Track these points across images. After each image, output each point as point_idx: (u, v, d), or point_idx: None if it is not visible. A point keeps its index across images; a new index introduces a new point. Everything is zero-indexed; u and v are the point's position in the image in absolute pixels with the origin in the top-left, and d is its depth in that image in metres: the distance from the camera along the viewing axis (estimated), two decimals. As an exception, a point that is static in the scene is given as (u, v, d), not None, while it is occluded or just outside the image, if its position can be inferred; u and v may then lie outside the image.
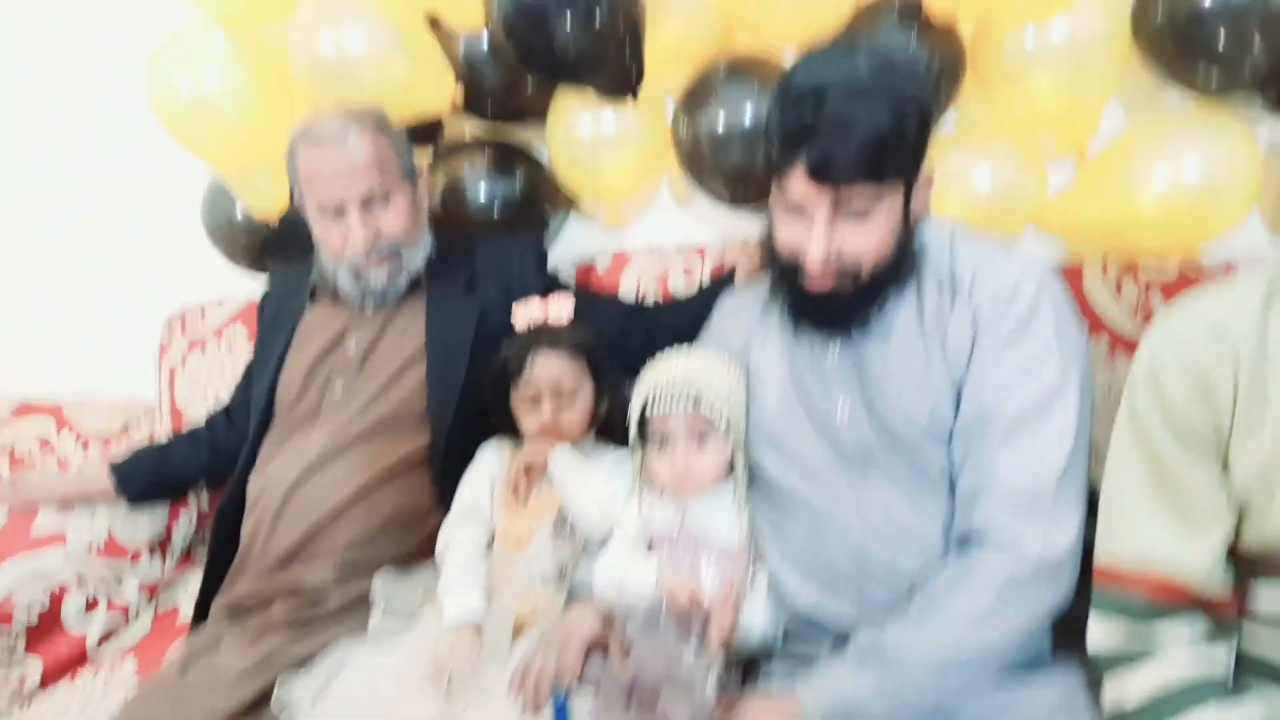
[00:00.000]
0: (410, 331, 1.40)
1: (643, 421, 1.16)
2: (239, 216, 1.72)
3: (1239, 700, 0.84)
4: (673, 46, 1.50)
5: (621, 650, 1.07)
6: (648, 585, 1.12)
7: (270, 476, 1.35)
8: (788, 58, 1.50)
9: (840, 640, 1.05)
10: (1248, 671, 0.87)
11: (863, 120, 0.95)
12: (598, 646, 1.08)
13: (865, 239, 1.01)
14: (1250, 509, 0.85)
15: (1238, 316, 0.84)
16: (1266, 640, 0.86)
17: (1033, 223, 1.51)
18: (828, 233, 1.00)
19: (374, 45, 1.45)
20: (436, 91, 1.55)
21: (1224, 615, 0.87)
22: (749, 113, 1.46)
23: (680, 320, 1.38)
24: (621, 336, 1.42)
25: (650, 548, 1.17)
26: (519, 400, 1.28)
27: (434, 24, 1.54)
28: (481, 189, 1.65)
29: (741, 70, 1.48)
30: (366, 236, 1.33)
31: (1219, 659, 0.86)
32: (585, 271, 1.66)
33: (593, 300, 1.49)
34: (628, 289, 1.59)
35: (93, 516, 1.54)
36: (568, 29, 1.36)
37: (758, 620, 1.11)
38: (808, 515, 1.09)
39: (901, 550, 1.04)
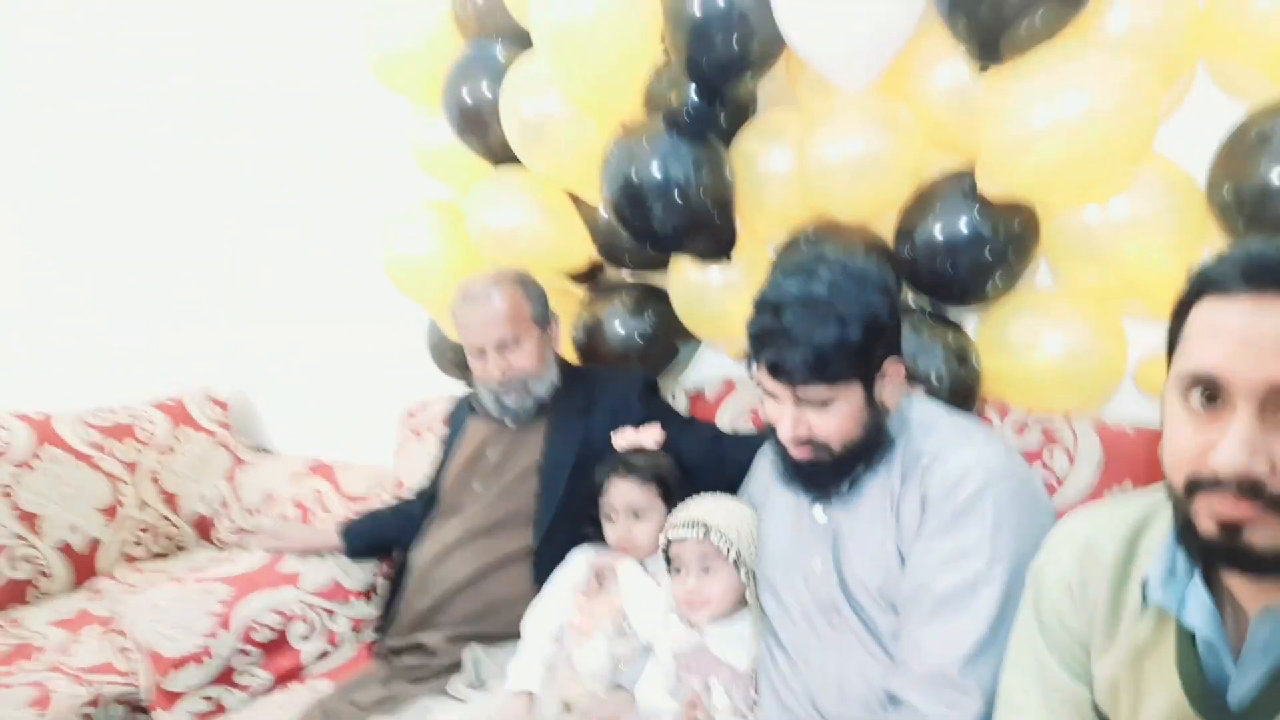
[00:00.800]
0: (533, 447, 1.75)
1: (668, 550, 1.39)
2: (446, 339, 2.20)
3: None
4: (771, 210, 1.72)
5: None
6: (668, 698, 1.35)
7: (421, 553, 1.75)
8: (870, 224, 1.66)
9: None
10: None
11: (810, 332, 1.13)
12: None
13: (829, 423, 1.17)
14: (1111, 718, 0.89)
15: (1110, 537, 0.89)
16: None
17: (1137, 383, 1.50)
18: (794, 417, 1.18)
19: (527, 217, 1.85)
20: (578, 251, 1.91)
21: None
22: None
23: (743, 457, 1.58)
24: (698, 464, 1.65)
25: (677, 662, 1.38)
26: (603, 515, 1.55)
27: (575, 199, 1.90)
28: (620, 323, 1.97)
29: (826, 231, 1.66)
30: (500, 370, 1.71)
31: None
32: (696, 398, 1.90)
33: (686, 427, 1.73)
34: (724, 419, 1.81)
35: (321, 564, 2.06)
36: (662, 209, 1.64)
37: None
38: (786, 655, 1.25)
39: (849, 700, 1.17)
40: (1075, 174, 1.34)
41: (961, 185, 1.51)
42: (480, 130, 1.86)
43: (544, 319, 1.78)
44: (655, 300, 1.98)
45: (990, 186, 1.44)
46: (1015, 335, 1.54)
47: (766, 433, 1.58)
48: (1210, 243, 1.38)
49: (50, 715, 1.83)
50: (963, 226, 1.50)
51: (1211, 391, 0.73)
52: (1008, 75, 1.37)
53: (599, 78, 1.62)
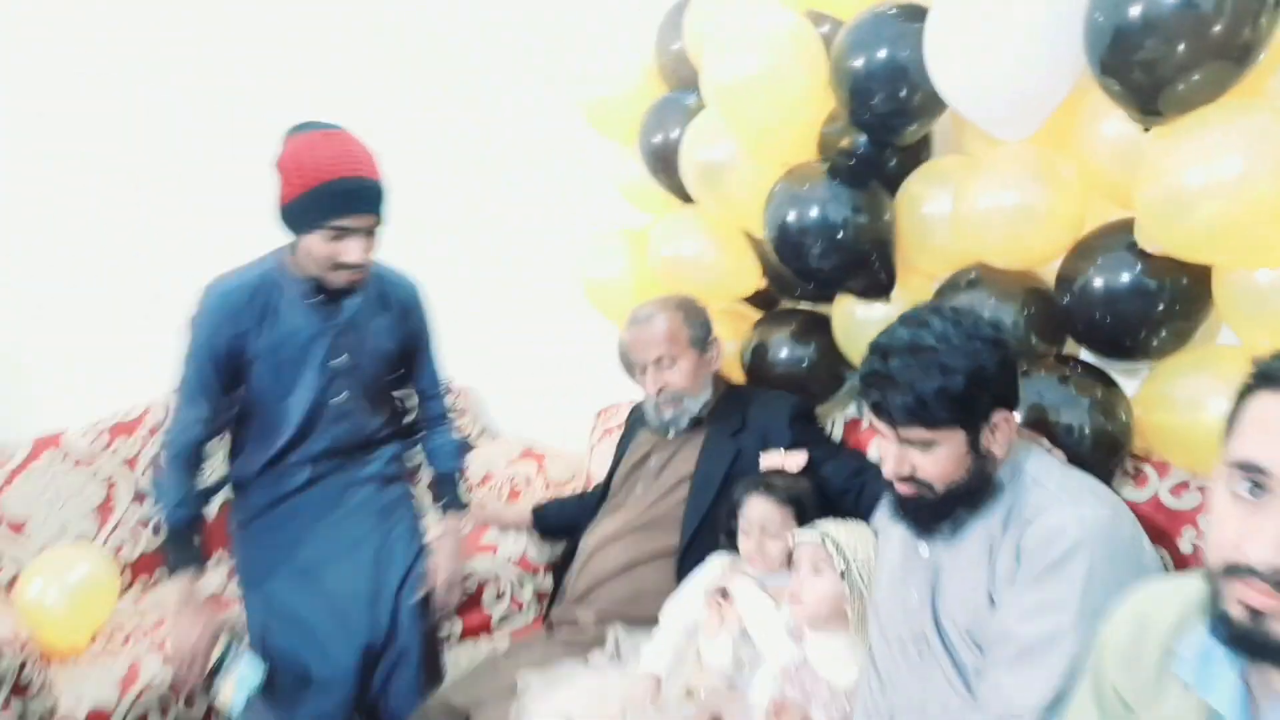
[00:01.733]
0: (689, 458, 1.93)
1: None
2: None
3: None
4: (933, 251, 1.77)
5: None
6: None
7: (589, 541, 1.99)
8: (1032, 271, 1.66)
9: None
10: None
11: (912, 378, 1.21)
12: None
13: (929, 464, 1.25)
14: None
15: (1165, 610, 0.92)
16: None
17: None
18: (897, 456, 1.27)
19: (702, 248, 2.03)
20: (748, 280, 2.06)
21: None
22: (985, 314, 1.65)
23: (883, 490, 1.65)
24: (840, 491, 1.76)
25: (782, 675, 1.51)
26: (740, 528, 1.69)
27: (749, 235, 2.05)
28: (786, 349, 2.09)
29: (987, 274, 1.68)
30: (656, 386, 1.92)
31: None
32: (852, 425, 1.99)
33: (833, 453, 1.83)
34: (874, 450, 1.88)
35: (517, 539, 2.39)
36: (819, 250, 1.75)
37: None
38: (878, 677, 1.35)
39: None
40: (1234, 235, 1.29)
41: (1126, 238, 1.48)
42: (669, 170, 2.06)
43: (702, 343, 1.95)
44: (821, 329, 2.08)
45: (1148, 243, 1.41)
46: (1179, 393, 1.49)
47: None
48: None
49: (130, 693, 1.99)
50: (1124, 279, 1.47)
51: (1258, 481, 0.76)
52: (1170, 133, 1.34)
53: (764, 129, 1.76)
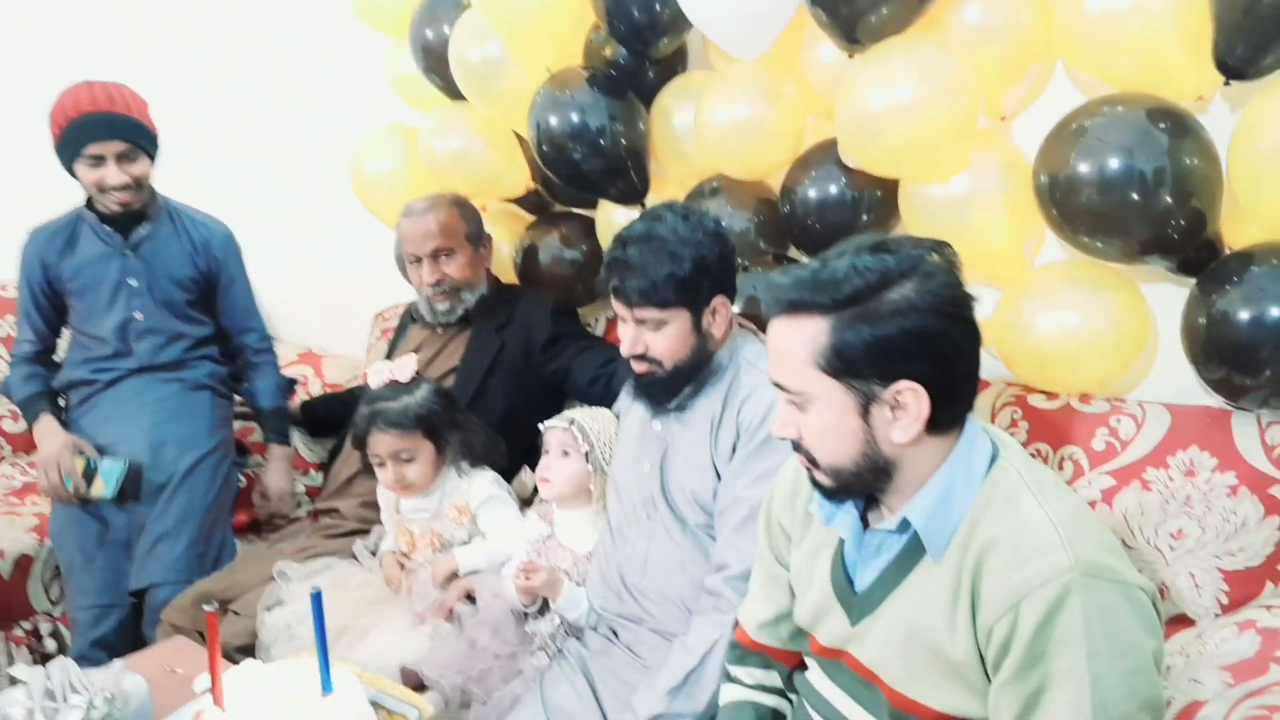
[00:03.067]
0: (455, 353, 2.01)
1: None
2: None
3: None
4: (682, 162, 1.92)
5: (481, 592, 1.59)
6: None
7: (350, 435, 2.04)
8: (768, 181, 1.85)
9: (600, 623, 1.48)
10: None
11: (646, 264, 1.36)
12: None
13: (660, 342, 1.40)
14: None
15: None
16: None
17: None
18: (633, 335, 1.41)
19: (473, 146, 2.07)
20: (516, 182, 2.14)
21: (767, 658, 1.18)
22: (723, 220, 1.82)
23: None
24: (591, 382, 1.90)
25: (533, 549, 1.65)
26: (370, 457, 1.71)
27: (519, 136, 2.11)
28: (555, 252, 2.19)
29: (725, 184, 1.85)
30: (435, 276, 1.97)
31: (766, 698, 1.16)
32: (612, 322, 2.14)
33: (588, 348, 1.97)
34: (629, 345, 2.04)
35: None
36: (579, 155, 1.85)
37: (578, 596, 1.55)
38: (613, 534, 1.52)
39: (648, 575, 1.43)
40: (912, 154, 1.51)
41: (835, 154, 1.68)
42: (440, 67, 2.06)
43: (477, 239, 2.02)
44: (589, 233, 2.20)
45: (848, 159, 1.61)
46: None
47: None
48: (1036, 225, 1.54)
49: (48, 543, 2.14)
50: (831, 190, 1.68)
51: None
52: (865, 60, 1.53)
53: (528, 31, 1.81)
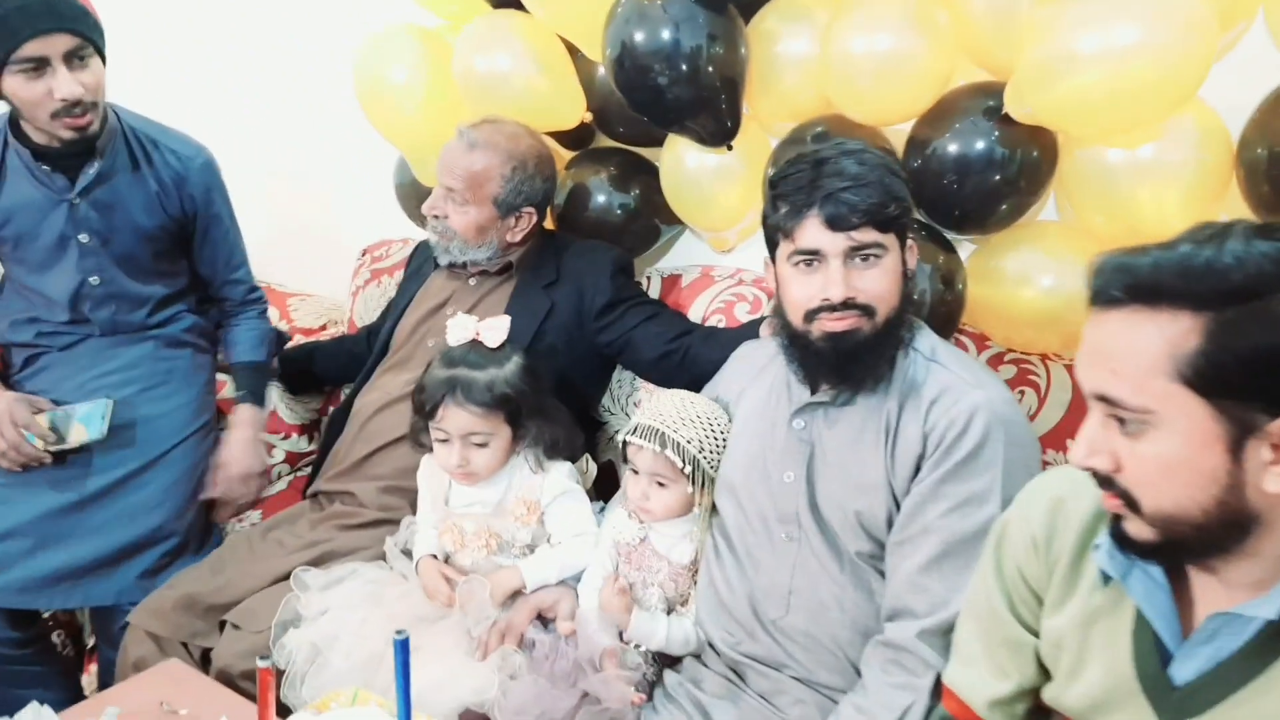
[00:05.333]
0: (495, 310, 1.66)
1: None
2: (416, 181, 2.07)
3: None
4: (781, 98, 1.61)
5: (564, 621, 1.30)
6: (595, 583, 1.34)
7: (367, 401, 1.70)
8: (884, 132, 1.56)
9: (720, 660, 1.22)
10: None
11: (865, 175, 1.10)
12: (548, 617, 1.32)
13: (875, 281, 1.13)
14: (1047, 669, 0.90)
15: (1086, 499, 0.87)
16: None
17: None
18: (844, 275, 1.12)
19: (522, 65, 1.71)
20: (569, 110, 1.78)
21: None
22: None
23: (713, 354, 1.52)
24: (661, 357, 1.61)
25: (619, 554, 1.37)
26: (432, 429, 1.39)
27: (574, 53, 1.76)
28: (604, 195, 1.86)
29: (834, 128, 1.56)
30: (433, 209, 1.66)
31: None
32: (671, 281, 1.84)
33: (655, 315, 1.66)
34: (696, 310, 1.76)
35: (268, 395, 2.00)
36: (667, 82, 1.52)
37: (684, 629, 1.29)
38: (735, 557, 1.25)
39: (793, 611, 1.17)
40: (1108, 107, 1.25)
41: (985, 102, 1.42)
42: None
43: (508, 207, 1.67)
44: (644, 175, 1.88)
45: (1017, 107, 1.35)
46: (1009, 267, 1.49)
47: (752, 325, 1.52)
48: (1229, 203, 1.32)
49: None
50: (978, 146, 1.42)
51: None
52: (1059, -7, 1.26)
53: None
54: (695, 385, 1.63)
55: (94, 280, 1.60)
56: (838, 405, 1.19)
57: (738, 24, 1.54)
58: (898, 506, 1.12)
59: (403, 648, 1.01)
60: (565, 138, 1.93)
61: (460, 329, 1.40)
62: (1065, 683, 0.87)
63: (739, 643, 1.21)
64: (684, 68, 1.51)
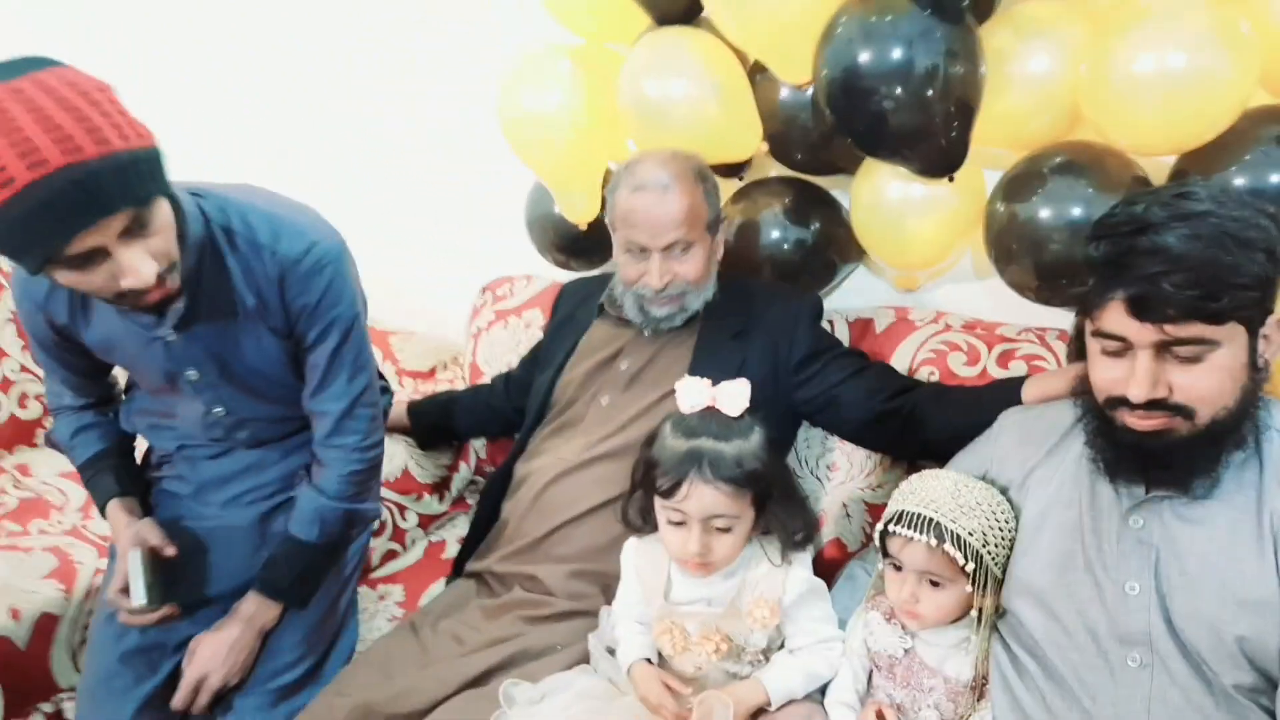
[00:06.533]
0: (677, 365, 1.48)
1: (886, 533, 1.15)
2: (553, 215, 1.89)
3: None
4: (1007, 121, 1.42)
5: None
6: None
7: (535, 468, 1.51)
8: (1139, 162, 1.36)
9: None
10: None
11: (1199, 251, 0.88)
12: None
13: (1199, 381, 0.93)
14: None
15: None
16: None
17: None
18: (1153, 372, 0.93)
19: (692, 92, 1.51)
20: (746, 140, 1.59)
21: None
22: (1075, 209, 1.35)
23: (950, 419, 1.33)
24: (876, 419, 1.41)
25: (875, 666, 1.17)
26: (660, 507, 1.18)
27: (756, 71, 1.56)
28: (778, 229, 1.67)
29: (1078, 164, 1.36)
30: (662, 279, 1.44)
31: None
32: (862, 327, 1.64)
33: (860, 370, 1.47)
34: (899, 361, 1.56)
35: (392, 448, 1.81)
36: (894, 105, 1.32)
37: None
38: (1055, 681, 1.04)
39: None
40: None
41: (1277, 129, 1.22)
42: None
43: (716, 224, 1.51)
44: (823, 207, 1.69)
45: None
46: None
47: (1009, 389, 1.30)
48: None
49: (76, 594, 1.58)
50: (1273, 181, 1.21)
51: None
52: None
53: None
54: (921, 453, 1.45)
55: (219, 410, 1.36)
56: (1194, 498, 0.98)
57: (976, 38, 1.34)
58: None
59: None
60: (720, 168, 1.74)
61: (694, 394, 1.21)
62: None
63: None
64: (916, 91, 1.31)
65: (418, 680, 1.27)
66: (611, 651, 1.27)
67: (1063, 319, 1.50)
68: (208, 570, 1.41)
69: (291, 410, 1.39)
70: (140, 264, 1.05)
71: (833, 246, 1.68)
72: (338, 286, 1.28)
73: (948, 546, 1.07)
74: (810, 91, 1.50)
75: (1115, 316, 0.94)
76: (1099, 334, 0.98)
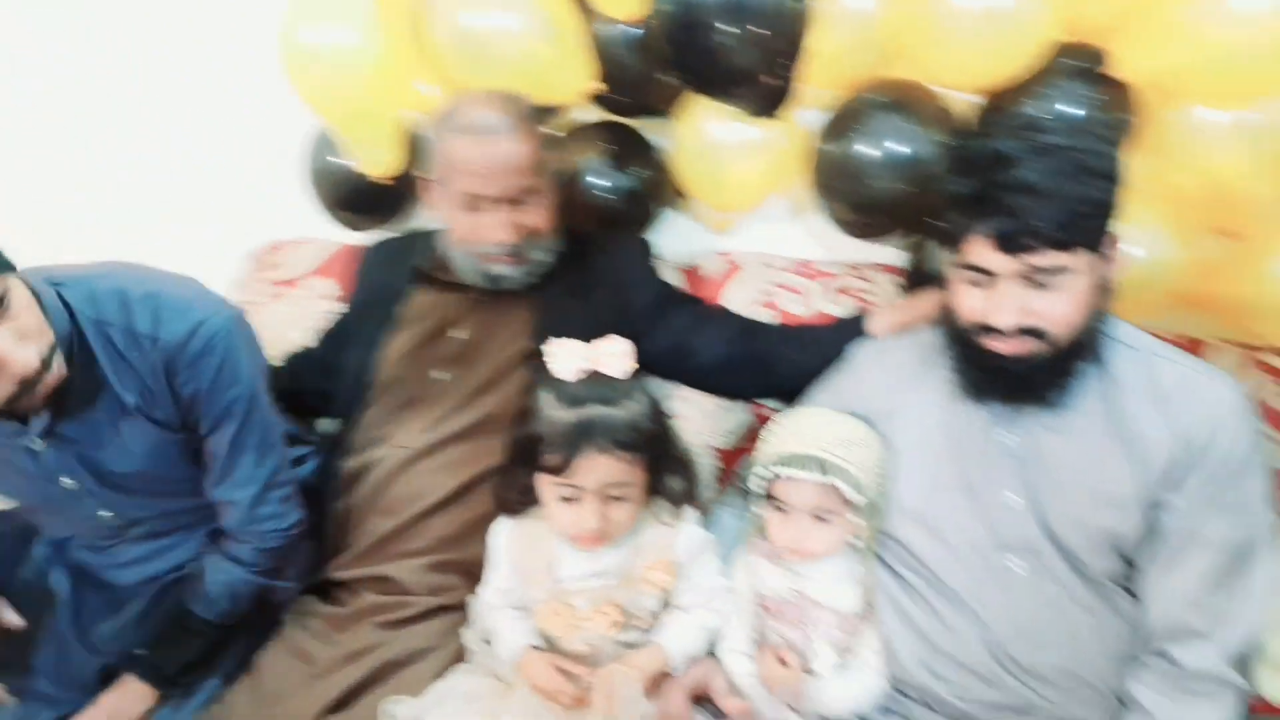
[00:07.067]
0: (520, 330, 1.37)
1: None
2: (341, 169, 1.66)
3: None
4: (827, 63, 1.43)
5: (731, 697, 1.07)
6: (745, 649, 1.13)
7: (371, 460, 1.33)
8: (952, 98, 1.43)
9: (942, 712, 1.06)
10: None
11: (1058, 185, 0.93)
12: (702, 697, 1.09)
13: (1056, 304, 0.98)
14: None
15: None
16: None
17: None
18: (1018, 299, 0.98)
19: (526, 23, 1.38)
20: (575, 79, 1.48)
21: None
22: (897, 146, 1.40)
23: (802, 356, 1.34)
24: (727, 362, 1.39)
25: (766, 612, 1.15)
26: (548, 483, 1.09)
27: (584, 9, 1.46)
28: (600, 175, 1.59)
29: (897, 101, 1.41)
30: (507, 234, 1.30)
31: None
32: (689, 274, 1.61)
33: (702, 317, 1.44)
34: (734, 302, 1.55)
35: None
36: (728, 41, 1.29)
37: (868, 682, 1.11)
38: (946, 596, 1.08)
39: (1043, 648, 1.03)
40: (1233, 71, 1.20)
41: (1077, 64, 1.31)
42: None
43: (554, 172, 1.39)
44: (646, 151, 1.63)
45: (1133, 71, 1.26)
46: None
47: (855, 324, 1.32)
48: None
49: None
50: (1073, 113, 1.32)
51: None
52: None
53: None
54: (769, 394, 1.45)
55: (105, 514, 1.20)
56: (1054, 411, 1.05)
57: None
58: (1146, 518, 1.01)
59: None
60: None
61: (570, 357, 1.10)
62: None
63: (967, 690, 1.06)
64: (752, 24, 1.28)
65: (280, 708, 1.09)
66: (488, 643, 1.16)
67: (878, 254, 1.58)
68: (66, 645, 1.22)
69: (195, 500, 1.23)
70: (12, 349, 0.97)
71: (653, 192, 1.63)
72: (232, 365, 1.16)
73: (837, 482, 1.07)
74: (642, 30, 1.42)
75: (980, 250, 0.98)
76: (964, 266, 1.01)
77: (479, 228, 1.30)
